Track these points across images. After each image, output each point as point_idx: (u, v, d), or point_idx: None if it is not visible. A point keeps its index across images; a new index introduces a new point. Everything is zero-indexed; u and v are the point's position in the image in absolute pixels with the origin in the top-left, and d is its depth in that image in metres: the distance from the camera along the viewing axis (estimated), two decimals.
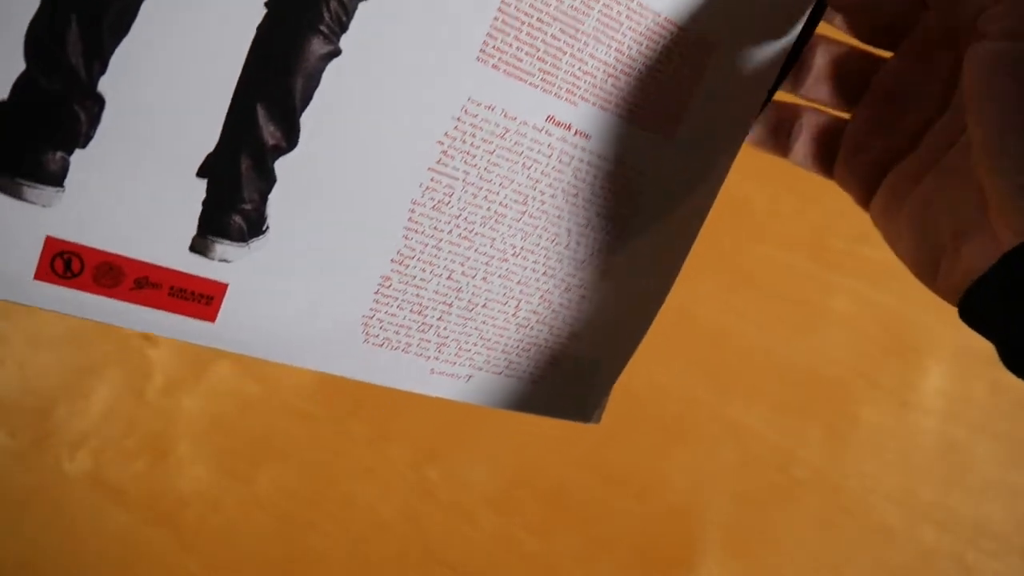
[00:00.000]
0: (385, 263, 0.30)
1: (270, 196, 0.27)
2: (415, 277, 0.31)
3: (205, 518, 0.57)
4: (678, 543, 0.57)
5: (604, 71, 0.30)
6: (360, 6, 0.26)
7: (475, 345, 0.33)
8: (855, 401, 0.61)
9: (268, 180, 0.27)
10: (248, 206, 0.27)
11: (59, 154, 0.25)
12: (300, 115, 0.27)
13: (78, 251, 0.26)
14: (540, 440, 0.60)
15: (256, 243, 0.28)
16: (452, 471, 0.59)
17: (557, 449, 0.59)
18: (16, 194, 0.25)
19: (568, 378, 0.35)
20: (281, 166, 0.27)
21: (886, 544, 0.58)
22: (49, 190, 0.25)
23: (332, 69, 0.26)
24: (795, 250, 0.63)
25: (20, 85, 0.24)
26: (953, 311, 0.26)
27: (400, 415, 0.60)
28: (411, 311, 0.31)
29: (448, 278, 0.31)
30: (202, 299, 0.28)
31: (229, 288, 0.28)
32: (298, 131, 0.27)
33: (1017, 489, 0.60)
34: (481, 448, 0.59)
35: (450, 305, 0.32)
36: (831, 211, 0.64)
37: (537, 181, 0.31)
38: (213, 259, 0.27)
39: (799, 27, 0.31)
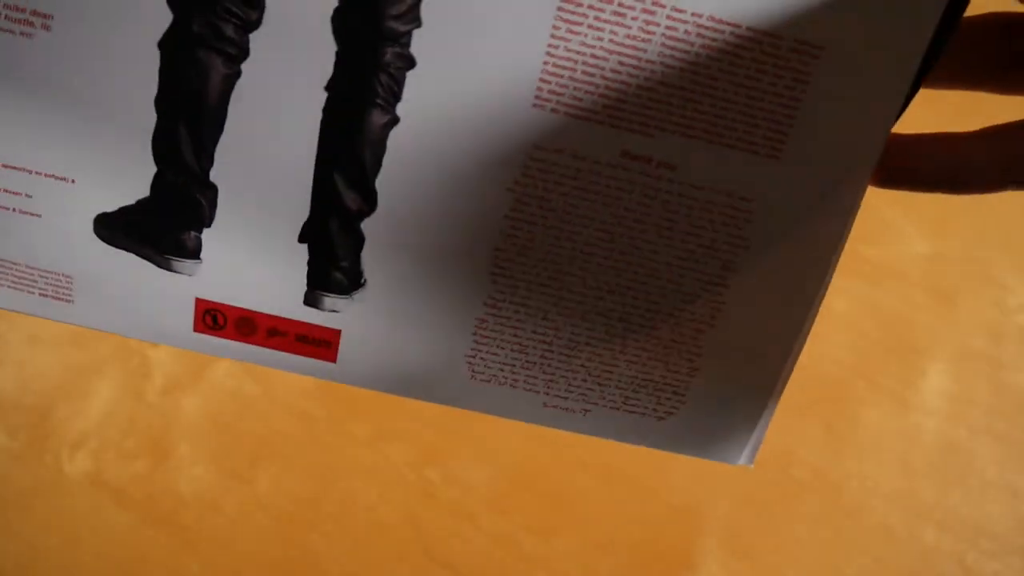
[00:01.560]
0: (479, 306, 0.32)
1: (362, 254, 0.31)
2: (510, 318, 0.32)
3: (205, 518, 0.57)
4: (678, 543, 0.57)
5: (680, 96, 0.28)
6: (408, 75, 0.28)
7: (584, 381, 0.33)
8: (855, 401, 0.61)
9: (357, 240, 0.31)
10: (345, 263, 0.31)
11: (193, 233, 0.31)
12: (374, 180, 0.30)
13: (221, 308, 0.32)
14: (540, 440, 0.60)
15: (358, 295, 0.32)
16: (452, 471, 0.59)
17: (557, 449, 0.59)
18: (167, 267, 0.31)
19: (699, 416, 0.33)
20: (367, 226, 0.31)
21: (886, 544, 0.58)
22: (190, 262, 0.31)
23: (395, 135, 0.29)
24: None
25: (155, 183, 0.30)
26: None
27: (400, 415, 0.59)
28: (512, 350, 0.32)
29: (543, 318, 0.32)
30: (322, 344, 0.33)
31: (343, 334, 0.32)
32: (375, 195, 0.30)
33: (1018, 490, 0.60)
34: (481, 448, 0.59)
35: (550, 343, 0.32)
36: None
37: (622, 217, 0.30)
38: (324, 310, 0.32)
39: (938, 14, 0.26)
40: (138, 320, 0.33)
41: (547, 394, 0.33)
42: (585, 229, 0.30)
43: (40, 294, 0.32)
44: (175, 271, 0.32)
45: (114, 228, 0.31)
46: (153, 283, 0.32)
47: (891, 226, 0.65)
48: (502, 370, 0.33)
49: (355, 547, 0.57)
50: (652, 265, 0.31)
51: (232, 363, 0.61)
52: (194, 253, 0.31)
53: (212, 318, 0.32)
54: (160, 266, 0.32)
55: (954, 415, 0.61)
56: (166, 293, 0.32)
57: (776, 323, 0.32)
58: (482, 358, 0.33)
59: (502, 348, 0.32)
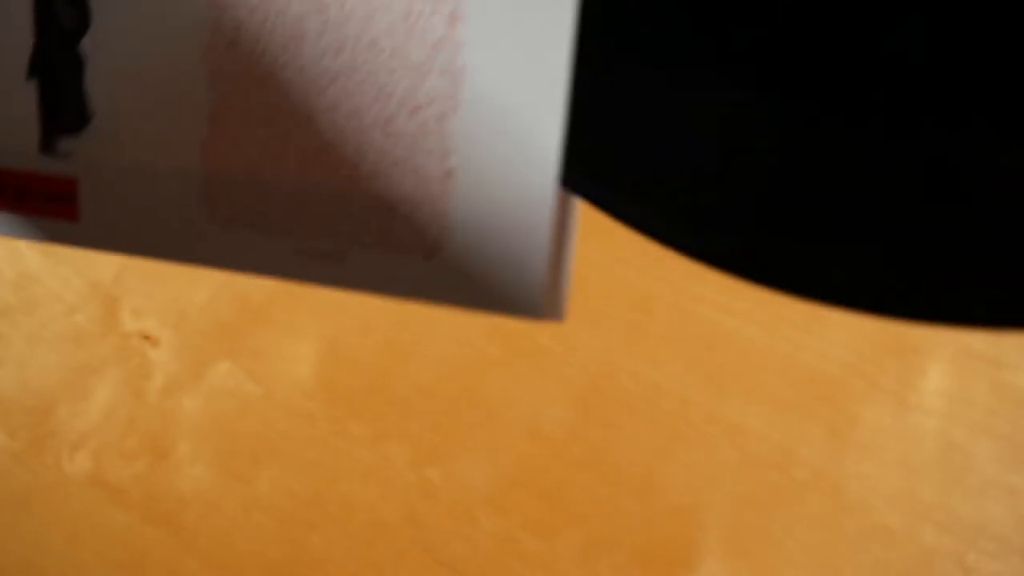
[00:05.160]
0: (203, 123, 0.28)
1: (84, 81, 0.28)
2: (237, 135, 0.27)
3: (205, 518, 0.57)
4: (678, 543, 0.57)
5: None
6: None
7: (331, 210, 0.27)
8: (855, 401, 0.61)
9: (78, 63, 0.28)
10: (70, 94, 0.29)
11: None
12: None
13: None
14: (540, 440, 0.59)
15: (87, 133, 0.29)
16: (452, 471, 0.58)
17: (557, 449, 0.59)
18: None
19: (473, 252, 0.27)
20: (86, 49, 0.28)
21: (886, 544, 0.58)
22: None
23: None
24: None
25: None
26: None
27: (400, 415, 0.59)
28: (244, 175, 0.27)
29: (269, 127, 0.27)
30: (60, 198, 0.29)
31: (80, 184, 0.29)
32: (88, 10, 0.28)
33: (1018, 490, 0.60)
34: (481, 448, 0.59)
35: (280, 159, 0.27)
36: None
37: None
38: (58, 155, 0.29)
39: None
40: None
41: (293, 233, 0.28)
42: (289, 7, 0.26)
43: None
44: None
45: None
46: None
47: None
48: (240, 203, 0.28)
49: (355, 547, 0.57)
50: (371, 33, 0.25)
51: (232, 363, 0.61)
52: None
53: None
54: None
55: (954, 415, 0.61)
56: None
57: (537, 107, 0.24)
58: (215, 191, 0.28)
59: (236, 174, 0.27)
